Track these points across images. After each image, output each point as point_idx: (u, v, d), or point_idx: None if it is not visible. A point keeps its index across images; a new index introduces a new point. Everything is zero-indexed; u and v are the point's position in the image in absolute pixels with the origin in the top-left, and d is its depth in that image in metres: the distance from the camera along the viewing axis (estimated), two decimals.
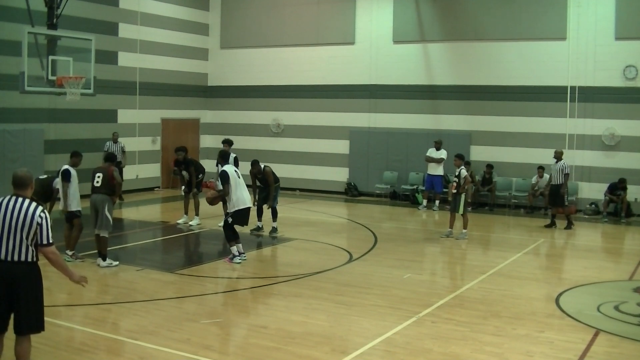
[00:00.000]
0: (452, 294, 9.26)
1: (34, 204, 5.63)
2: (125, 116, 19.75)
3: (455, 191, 13.50)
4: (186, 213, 14.83)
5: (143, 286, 9.50)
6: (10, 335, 5.75)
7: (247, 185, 11.56)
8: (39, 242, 5.58)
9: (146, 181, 20.51)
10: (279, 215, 13.91)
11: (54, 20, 14.24)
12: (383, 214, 17.56)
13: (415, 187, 18.98)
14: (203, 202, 14.77)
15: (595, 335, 7.58)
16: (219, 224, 13.73)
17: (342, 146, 20.58)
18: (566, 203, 15.55)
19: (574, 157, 17.39)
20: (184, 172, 14.72)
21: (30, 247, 5.57)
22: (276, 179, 13.87)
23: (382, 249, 12.44)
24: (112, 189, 10.66)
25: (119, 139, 18.42)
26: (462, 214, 13.46)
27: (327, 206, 18.35)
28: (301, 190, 20.73)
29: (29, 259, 5.59)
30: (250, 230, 13.60)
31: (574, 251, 13.40)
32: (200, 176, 14.76)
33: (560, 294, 9.38)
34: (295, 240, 13.23)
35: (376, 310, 8.42)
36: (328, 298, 8.96)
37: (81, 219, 10.84)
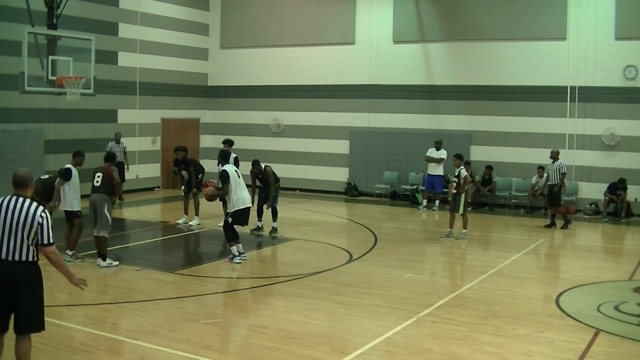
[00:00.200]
0: (452, 294, 9.26)
1: (34, 204, 5.64)
2: (125, 116, 19.75)
3: (455, 191, 13.50)
4: (186, 213, 14.83)
5: (143, 286, 9.50)
6: (10, 335, 5.76)
7: (247, 185, 11.57)
8: (40, 242, 5.59)
9: (146, 181, 20.51)
10: (279, 215, 13.91)
11: (54, 20, 14.25)
12: (383, 214, 17.56)
13: (415, 187, 18.99)
14: (203, 202, 14.79)
15: (595, 335, 7.59)
16: (219, 224, 13.73)
17: (342, 146, 20.58)
18: (561, 202, 15.57)
19: (574, 157, 17.40)
20: (184, 172, 14.72)
21: (31, 247, 5.57)
22: (276, 179, 13.88)
23: (382, 249, 12.44)
24: (112, 189, 10.66)
25: (121, 139, 18.44)
26: (462, 214, 13.46)
27: (327, 206, 18.35)
28: (301, 190, 20.73)
29: (30, 259, 5.60)
30: (250, 230, 13.60)
31: (574, 251, 13.40)
32: (200, 176, 14.76)
33: (560, 294, 9.38)
34: (295, 240, 13.23)
35: (376, 310, 8.42)
36: (328, 298, 8.96)
37: (81, 219, 10.84)
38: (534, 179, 17.20)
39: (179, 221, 14.85)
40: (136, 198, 18.88)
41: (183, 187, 15.03)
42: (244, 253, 11.14)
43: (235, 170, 11.13)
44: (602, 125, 17.17)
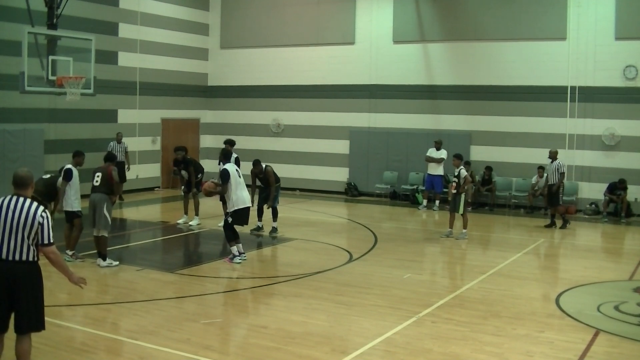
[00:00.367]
0: (452, 294, 9.26)
1: (35, 204, 5.64)
2: (126, 116, 19.75)
3: (455, 191, 13.50)
4: (186, 213, 14.83)
5: (143, 286, 9.50)
6: (10, 335, 5.76)
7: (247, 185, 11.57)
8: (40, 241, 5.60)
9: (146, 181, 20.51)
10: (279, 215, 13.90)
11: (54, 20, 14.25)
12: (383, 214, 17.56)
13: (415, 187, 18.99)
14: (203, 202, 14.80)
15: (595, 335, 7.58)
16: (219, 224, 13.74)
17: (342, 146, 20.58)
18: (560, 202, 15.58)
19: (574, 157, 17.40)
20: (183, 172, 14.72)
21: (31, 247, 5.58)
22: (277, 179, 13.88)
23: (382, 249, 12.43)
24: (111, 189, 10.66)
25: (123, 139, 18.44)
26: (461, 214, 13.46)
27: (327, 206, 18.35)
28: (301, 190, 20.73)
29: (30, 259, 5.60)
30: (250, 230, 13.60)
31: (574, 251, 13.41)
32: (199, 176, 14.76)
33: (560, 294, 9.38)
34: (295, 240, 13.23)
35: (376, 310, 8.42)
36: (328, 298, 8.96)
37: (82, 219, 10.84)
38: (534, 179, 17.19)
39: (179, 221, 14.85)
40: (136, 198, 18.88)
41: (183, 187, 15.03)
42: (244, 253, 11.14)
43: (236, 170, 11.13)
44: (602, 125, 17.17)
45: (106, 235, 10.57)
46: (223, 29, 22.51)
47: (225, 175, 10.90)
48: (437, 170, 17.85)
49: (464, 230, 13.54)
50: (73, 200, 10.70)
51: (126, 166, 18.16)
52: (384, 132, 19.88)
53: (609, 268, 11.53)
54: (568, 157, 17.19)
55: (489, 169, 17.99)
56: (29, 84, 13.48)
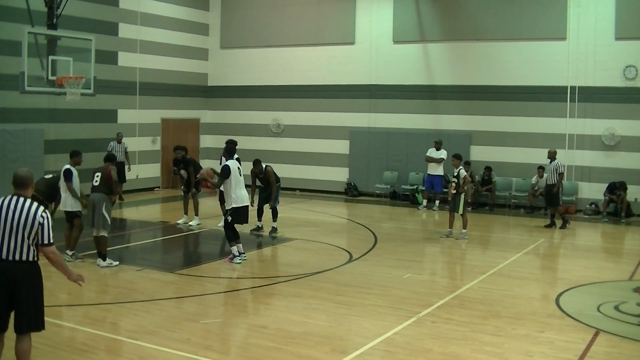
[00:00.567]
0: (452, 294, 9.26)
1: (35, 204, 5.65)
2: (125, 116, 19.75)
3: (454, 191, 13.50)
4: (186, 213, 14.83)
5: (143, 286, 9.50)
6: (10, 335, 5.76)
7: (247, 185, 11.57)
8: (40, 241, 5.60)
9: (146, 181, 20.51)
10: (279, 215, 13.90)
11: (54, 20, 14.25)
12: (383, 214, 17.56)
13: (415, 187, 18.99)
14: (203, 202, 14.80)
15: (595, 335, 7.58)
16: (219, 224, 13.75)
17: (342, 146, 20.58)
18: (560, 202, 15.58)
19: (573, 157, 17.40)
20: (182, 172, 14.72)
21: (31, 247, 5.58)
22: (277, 179, 13.88)
23: (382, 249, 12.43)
24: (111, 188, 10.67)
25: (123, 139, 18.45)
26: (461, 214, 13.46)
27: (327, 206, 18.35)
28: (301, 190, 20.73)
29: (30, 259, 5.61)
30: (250, 230, 13.60)
31: (574, 251, 13.41)
32: (198, 176, 14.73)
33: (560, 294, 9.38)
34: (295, 240, 13.23)
35: (376, 310, 8.42)
36: (328, 298, 8.96)
37: (82, 219, 10.85)
38: (534, 179, 17.18)
39: (179, 221, 14.85)
40: (136, 198, 18.88)
41: (183, 187, 15.04)
42: (244, 253, 11.14)
43: (238, 168, 11.11)
44: (602, 125, 17.17)
45: (106, 235, 10.57)
46: (223, 29, 22.51)
47: (226, 171, 10.88)
48: (437, 170, 17.85)
49: (464, 231, 13.54)
50: (73, 200, 10.70)
51: (126, 166, 18.16)
52: (384, 132, 19.87)
53: (609, 268, 11.52)
54: (568, 157, 17.19)
55: (488, 169, 18.00)
56: (29, 84, 13.48)
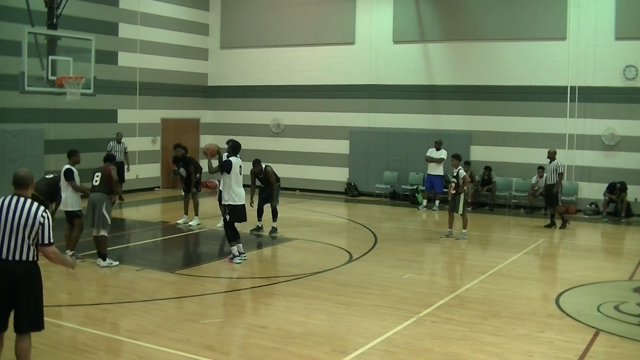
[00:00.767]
0: (452, 294, 9.26)
1: (35, 204, 5.65)
2: (125, 116, 19.75)
3: (454, 192, 13.50)
4: (186, 213, 14.82)
5: (143, 286, 9.50)
6: (10, 335, 5.76)
7: (246, 185, 11.56)
8: (41, 241, 5.61)
9: (146, 181, 20.51)
10: (279, 215, 13.91)
11: (54, 20, 14.25)
12: (383, 214, 17.56)
13: (415, 187, 18.99)
14: (203, 202, 14.79)
15: (595, 335, 7.58)
16: (218, 225, 13.74)
17: (342, 146, 20.58)
18: (560, 202, 15.58)
19: (573, 157, 17.40)
20: (181, 169, 14.72)
21: (31, 247, 5.59)
22: (277, 179, 13.88)
23: (382, 249, 12.43)
24: (111, 188, 10.68)
25: (122, 139, 18.45)
26: (461, 214, 13.46)
27: (327, 206, 18.35)
28: (301, 190, 20.73)
29: (30, 259, 5.61)
30: (250, 230, 13.61)
31: (574, 251, 13.41)
32: (197, 175, 14.75)
33: (560, 294, 9.38)
34: (295, 240, 13.23)
35: (376, 310, 8.42)
36: (328, 298, 8.96)
37: (82, 219, 10.85)
38: (533, 179, 17.18)
39: (179, 221, 14.85)
40: (136, 198, 18.88)
41: (183, 186, 15.03)
42: (244, 253, 11.14)
43: (240, 166, 11.10)
44: (602, 125, 17.17)
45: (106, 235, 10.57)
46: (223, 29, 22.51)
47: (227, 166, 10.85)
48: (437, 170, 17.85)
49: (464, 231, 13.54)
50: (75, 200, 10.70)
51: (125, 166, 18.15)
52: (384, 132, 19.87)
53: (609, 268, 11.52)
54: (568, 157, 17.19)
55: (488, 169, 18.00)
56: (29, 84, 13.48)
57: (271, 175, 13.61)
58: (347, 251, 12.18)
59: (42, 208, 5.65)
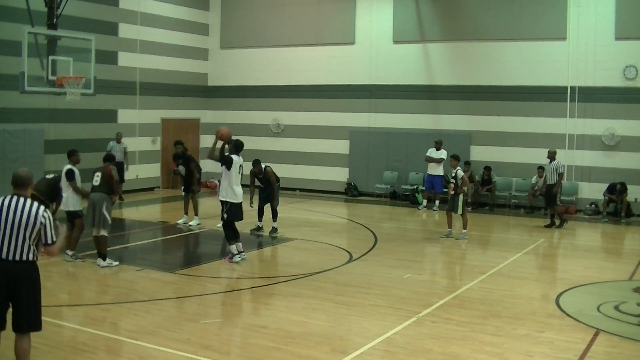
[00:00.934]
0: (452, 294, 9.26)
1: (36, 204, 5.66)
2: (125, 116, 19.75)
3: (453, 192, 13.50)
4: (186, 213, 14.82)
5: (143, 286, 9.50)
6: (9, 335, 5.75)
7: (245, 185, 11.56)
8: (44, 241, 5.65)
9: (146, 181, 20.51)
10: (279, 215, 13.91)
11: (54, 20, 14.26)
12: (383, 214, 17.56)
13: (415, 187, 18.99)
14: (203, 202, 14.79)
15: (595, 335, 7.58)
16: (218, 225, 13.74)
17: (342, 146, 20.58)
18: (558, 202, 15.58)
19: (573, 157, 17.40)
20: (180, 167, 14.71)
21: (32, 247, 5.60)
22: (277, 179, 13.88)
23: (382, 249, 12.43)
24: (111, 188, 10.69)
25: (122, 139, 18.46)
26: (460, 214, 13.45)
27: (327, 206, 18.35)
28: (301, 190, 20.73)
29: (30, 259, 5.62)
30: (251, 230, 13.61)
31: (574, 251, 13.41)
32: (196, 176, 14.73)
33: (560, 294, 9.38)
34: (295, 240, 13.23)
35: (376, 310, 8.42)
36: (328, 298, 8.96)
37: (82, 219, 10.85)
38: (533, 179, 17.19)
39: (178, 221, 14.85)
40: (136, 198, 18.88)
41: (183, 186, 15.03)
42: (243, 252, 11.14)
43: (240, 165, 11.11)
44: (602, 125, 17.17)
45: (106, 235, 10.57)
46: (223, 29, 22.51)
47: (228, 161, 10.83)
48: (437, 170, 17.84)
49: (464, 231, 13.54)
50: (75, 200, 10.71)
51: (125, 166, 18.15)
52: (384, 132, 19.87)
53: (609, 268, 11.52)
54: (568, 157, 17.19)
55: (487, 169, 18.00)
56: (29, 84, 13.48)
57: (271, 175, 13.61)
58: (347, 251, 12.18)
59: (42, 208, 5.66)
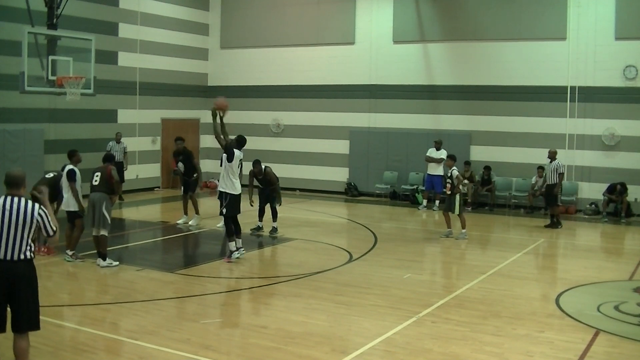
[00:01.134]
0: (452, 294, 9.26)
1: (30, 202, 5.70)
2: (125, 116, 19.75)
3: (449, 192, 13.51)
4: (185, 213, 14.81)
5: (143, 286, 9.50)
6: (8, 335, 5.75)
7: (244, 185, 11.57)
8: (46, 234, 5.76)
9: (146, 181, 20.51)
10: (279, 215, 13.91)
11: (54, 20, 14.25)
12: (383, 214, 17.56)
13: (415, 187, 18.99)
14: (203, 202, 14.78)
15: (595, 335, 7.58)
16: (218, 225, 13.75)
17: (342, 146, 20.57)
18: (559, 203, 15.57)
19: (573, 157, 17.40)
20: (180, 164, 14.71)
21: (29, 245, 5.64)
22: (276, 179, 13.88)
23: (382, 249, 12.43)
24: (111, 188, 10.70)
25: (122, 139, 18.46)
26: (457, 215, 13.45)
27: (327, 206, 18.35)
28: (301, 190, 20.73)
29: (28, 257, 5.66)
30: (251, 230, 13.60)
31: (574, 251, 13.41)
32: (195, 175, 14.72)
33: (560, 294, 9.38)
34: (295, 240, 13.23)
35: (376, 310, 8.42)
36: (328, 298, 8.96)
37: (83, 219, 10.85)
38: (533, 179, 17.18)
39: (178, 221, 14.85)
40: (136, 198, 18.88)
41: (182, 186, 15.03)
42: (242, 247, 11.15)
43: (240, 160, 11.13)
44: (602, 125, 17.17)
45: (106, 235, 10.57)
46: (223, 29, 22.51)
47: (231, 153, 10.88)
48: (437, 170, 17.83)
49: (463, 230, 13.53)
50: (75, 201, 10.70)
51: (124, 166, 18.14)
52: (384, 132, 19.87)
53: (609, 268, 11.51)
54: (568, 157, 17.18)
55: (487, 168, 18.00)
56: (29, 84, 13.47)
57: (271, 175, 13.61)
58: (347, 251, 12.18)
59: (37, 205, 5.72)
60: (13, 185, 5.73)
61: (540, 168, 16.75)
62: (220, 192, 11.14)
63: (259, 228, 13.87)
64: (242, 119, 21.90)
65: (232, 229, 11.04)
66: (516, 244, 13.39)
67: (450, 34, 18.97)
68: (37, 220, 5.63)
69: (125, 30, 19.55)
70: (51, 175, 11.34)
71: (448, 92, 18.99)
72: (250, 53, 21.94)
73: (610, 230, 15.56)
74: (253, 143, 20.83)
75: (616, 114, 17.00)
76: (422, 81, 19.37)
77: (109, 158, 11.21)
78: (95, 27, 17.62)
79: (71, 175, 10.62)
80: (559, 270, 11.68)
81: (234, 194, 10.97)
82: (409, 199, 19.00)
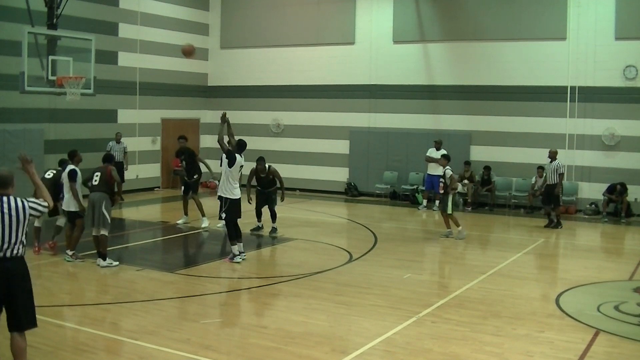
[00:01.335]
0: (452, 294, 9.26)
1: (19, 199, 5.75)
2: (125, 116, 19.75)
3: (442, 192, 13.53)
4: (186, 213, 14.80)
5: (143, 286, 9.50)
6: (8, 335, 5.75)
7: (242, 185, 11.58)
8: (42, 208, 5.83)
9: (146, 181, 20.51)
10: (278, 215, 13.90)
11: (54, 20, 14.26)
12: (383, 214, 17.55)
13: (415, 187, 18.99)
14: (203, 203, 14.76)
15: (595, 335, 7.58)
16: (218, 225, 13.74)
17: (342, 146, 20.58)
18: (560, 203, 15.58)
19: (573, 157, 17.40)
20: (183, 163, 14.69)
21: (22, 242, 5.70)
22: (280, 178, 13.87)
23: (382, 249, 12.43)
24: (111, 188, 10.70)
25: (122, 139, 18.46)
26: (449, 214, 13.44)
27: (327, 206, 18.35)
28: (301, 190, 20.73)
29: (21, 253, 5.72)
30: (251, 230, 13.60)
31: (574, 251, 13.41)
32: (195, 176, 14.70)
33: (560, 294, 9.38)
34: (295, 240, 13.23)
35: (376, 310, 8.42)
36: (328, 298, 8.96)
37: (83, 219, 10.85)
38: (533, 179, 17.18)
39: (178, 221, 14.84)
40: (136, 198, 18.88)
41: (182, 187, 15.01)
42: (243, 252, 11.15)
43: (241, 165, 11.13)
44: (602, 125, 17.17)
45: (106, 235, 10.57)
46: (223, 29, 22.51)
47: (232, 156, 10.88)
48: (437, 170, 17.67)
49: (459, 229, 13.51)
50: (77, 200, 10.71)
51: (124, 166, 18.15)
52: (384, 132, 19.88)
53: (609, 268, 11.51)
54: (568, 157, 17.18)
55: (487, 168, 18.00)
56: (29, 84, 13.48)
57: (276, 173, 13.57)
58: (347, 251, 12.18)
59: (25, 200, 5.77)
60: (2, 184, 5.77)
61: (540, 168, 16.74)
62: (220, 196, 11.14)
63: (259, 228, 13.87)
64: (242, 119, 21.89)
65: (234, 232, 11.04)
66: (516, 244, 13.39)
67: (450, 34, 18.97)
68: (31, 214, 5.72)
69: (125, 30, 19.55)
70: (51, 175, 11.34)
71: (448, 92, 19.00)
72: (250, 53, 21.94)
73: (610, 230, 15.56)
74: (253, 143, 20.77)
75: (616, 114, 17.00)
76: (422, 81, 19.37)
77: (108, 158, 11.21)
78: (95, 27, 17.62)
79: (72, 175, 10.63)
80: (559, 270, 11.68)
81: (233, 199, 10.96)
82: (409, 199, 19.00)
